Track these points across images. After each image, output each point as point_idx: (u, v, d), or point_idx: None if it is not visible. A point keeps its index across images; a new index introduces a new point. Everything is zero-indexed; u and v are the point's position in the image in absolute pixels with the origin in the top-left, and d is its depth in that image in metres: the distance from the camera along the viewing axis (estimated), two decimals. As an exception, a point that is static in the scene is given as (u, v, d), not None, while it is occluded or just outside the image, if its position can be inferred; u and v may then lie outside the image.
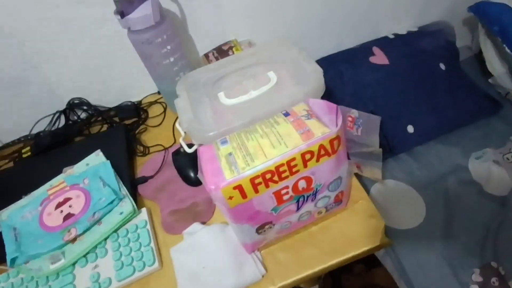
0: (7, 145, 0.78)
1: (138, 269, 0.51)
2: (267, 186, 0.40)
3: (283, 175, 0.39)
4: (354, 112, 0.56)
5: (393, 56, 0.83)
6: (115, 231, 0.55)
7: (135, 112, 0.77)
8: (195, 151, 0.49)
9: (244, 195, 0.39)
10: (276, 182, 0.40)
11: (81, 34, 0.68)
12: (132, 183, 0.62)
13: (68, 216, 0.56)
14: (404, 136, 0.80)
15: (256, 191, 0.39)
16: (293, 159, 0.39)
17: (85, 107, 0.77)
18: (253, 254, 0.50)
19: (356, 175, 0.59)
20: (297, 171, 0.40)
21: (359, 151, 0.57)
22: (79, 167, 0.64)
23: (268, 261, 0.50)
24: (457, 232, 0.69)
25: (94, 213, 0.55)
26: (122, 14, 0.56)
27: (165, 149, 0.68)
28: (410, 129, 0.80)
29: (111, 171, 0.61)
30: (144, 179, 0.63)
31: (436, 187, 0.76)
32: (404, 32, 0.90)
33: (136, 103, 0.79)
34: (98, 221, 0.55)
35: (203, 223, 0.55)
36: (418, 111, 0.81)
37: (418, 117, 0.81)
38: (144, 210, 0.58)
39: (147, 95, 0.82)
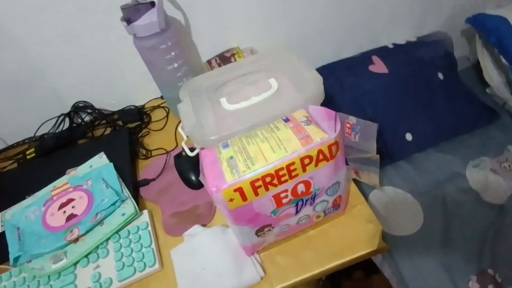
0: (11, 147, 0.79)
1: (139, 270, 0.51)
2: (267, 189, 0.41)
3: (282, 179, 0.41)
4: (352, 119, 0.57)
5: (392, 65, 0.85)
6: (117, 232, 0.56)
7: (138, 116, 0.78)
8: (197, 155, 0.50)
9: (244, 198, 0.40)
10: (275, 185, 0.41)
11: (87, 40, 0.70)
12: (134, 185, 0.63)
13: (71, 216, 0.57)
14: (403, 143, 0.81)
15: (256, 194, 0.40)
16: (293, 163, 0.40)
17: (89, 111, 0.79)
18: (252, 256, 0.51)
19: (354, 181, 0.60)
20: (296, 175, 0.41)
21: (357, 157, 0.59)
22: (83, 169, 0.65)
23: (267, 264, 0.51)
24: (455, 239, 0.69)
25: (97, 214, 0.56)
26: (128, 21, 0.58)
27: (167, 152, 0.69)
28: (409, 136, 0.81)
29: (114, 173, 0.62)
30: (146, 182, 0.64)
31: (434, 194, 0.77)
32: (403, 41, 0.92)
33: (139, 107, 0.81)
34: (100, 222, 0.56)
35: (204, 225, 0.56)
36: (417, 119, 0.82)
37: (416, 125, 0.82)
38: (145, 212, 0.59)
39: (150, 100, 0.83)
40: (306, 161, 0.40)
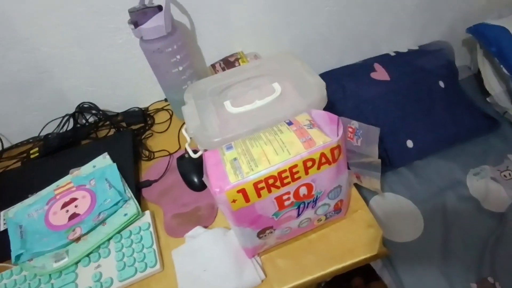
0: (16, 146, 0.80)
1: (140, 270, 0.52)
2: (269, 191, 0.41)
3: (285, 181, 0.41)
4: (355, 123, 0.58)
5: (394, 73, 0.86)
6: (119, 232, 0.56)
7: (142, 118, 0.79)
8: (199, 157, 0.51)
9: (247, 199, 0.41)
10: (278, 187, 0.41)
11: (94, 42, 0.71)
12: (137, 186, 0.64)
13: (74, 215, 0.57)
14: (404, 150, 0.82)
15: (259, 195, 0.41)
16: (295, 165, 0.40)
17: (93, 112, 0.80)
18: (253, 259, 0.51)
19: (356, 186, 0.60)
20: (299, 177, 0.41)
21: (358, 161, 0.59)
22: (86, 169, 0.65)
23: (267, 267, 0.51)
24: (455, 246, 0.69)
25: (99, 213, 0.56)
26: (135, 24, 0.59)
27: (170, 154, 0.70)
28: (410, 143, 0.82)
29: (117, 173, 0.62)
30: (149, 183, 0.65)
31: (435, 201, 0.77)
32: (405, 50, 0.93)
33: (143, 109, 0.82)
34: (102, 222, 0.56)
35: (205, 227, 0.56)
36: (418, 127, 0.83)
37: (417, 133, 0.83)
38: (147, 212, 0.59)
39: (154, 102, 0.84)
40: (309, 164, 0.41)
